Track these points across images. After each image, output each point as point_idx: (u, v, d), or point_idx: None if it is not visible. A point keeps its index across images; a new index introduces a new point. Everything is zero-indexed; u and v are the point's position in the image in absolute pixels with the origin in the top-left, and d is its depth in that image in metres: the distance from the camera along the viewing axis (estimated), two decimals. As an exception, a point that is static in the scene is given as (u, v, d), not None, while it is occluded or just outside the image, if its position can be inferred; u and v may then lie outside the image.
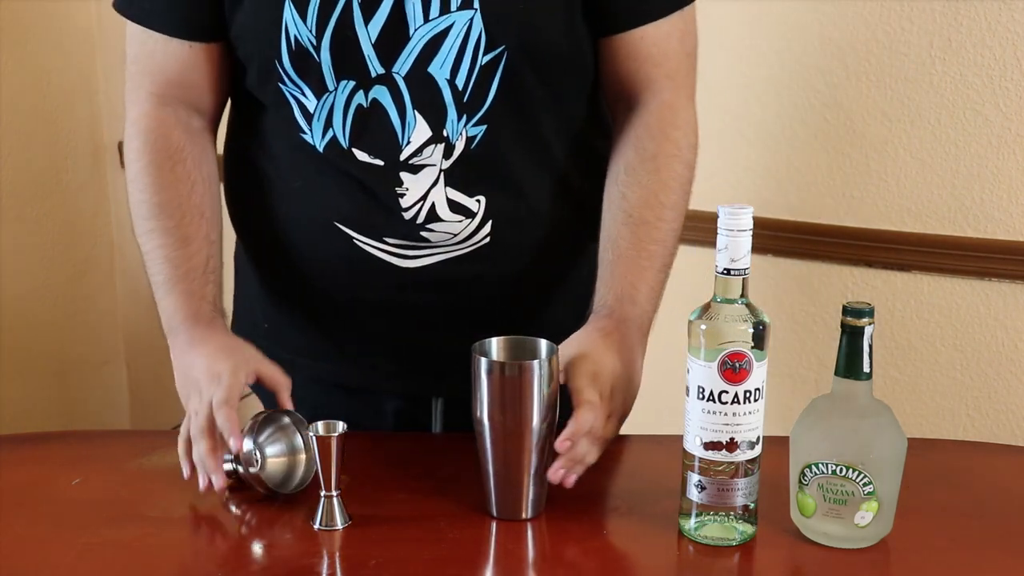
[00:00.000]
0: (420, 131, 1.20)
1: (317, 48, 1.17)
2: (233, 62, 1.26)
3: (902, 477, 1.04)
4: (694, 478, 1.04)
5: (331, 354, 1.36)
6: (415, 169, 1.22)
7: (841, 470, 1.01)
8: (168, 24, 1.23)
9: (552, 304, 1.35)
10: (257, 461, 1.11)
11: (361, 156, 1.22)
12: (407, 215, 1.24)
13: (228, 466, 1.15)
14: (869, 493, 1.01)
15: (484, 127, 1.21)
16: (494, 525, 1.09)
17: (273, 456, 1.13)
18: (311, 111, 1.21)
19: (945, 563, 1.03)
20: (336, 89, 1.19)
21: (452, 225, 1.24)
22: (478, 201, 1.24)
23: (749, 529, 1.05)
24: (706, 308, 1.02)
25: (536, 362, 1.06)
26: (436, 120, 1.20)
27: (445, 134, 1.21)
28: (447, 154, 1.22)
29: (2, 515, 1.11)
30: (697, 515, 1.04)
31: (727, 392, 1.01)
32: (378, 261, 1.27)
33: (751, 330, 1.00)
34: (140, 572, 1.02)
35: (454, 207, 1.24)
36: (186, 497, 1.15)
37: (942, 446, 1.44)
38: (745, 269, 1.01)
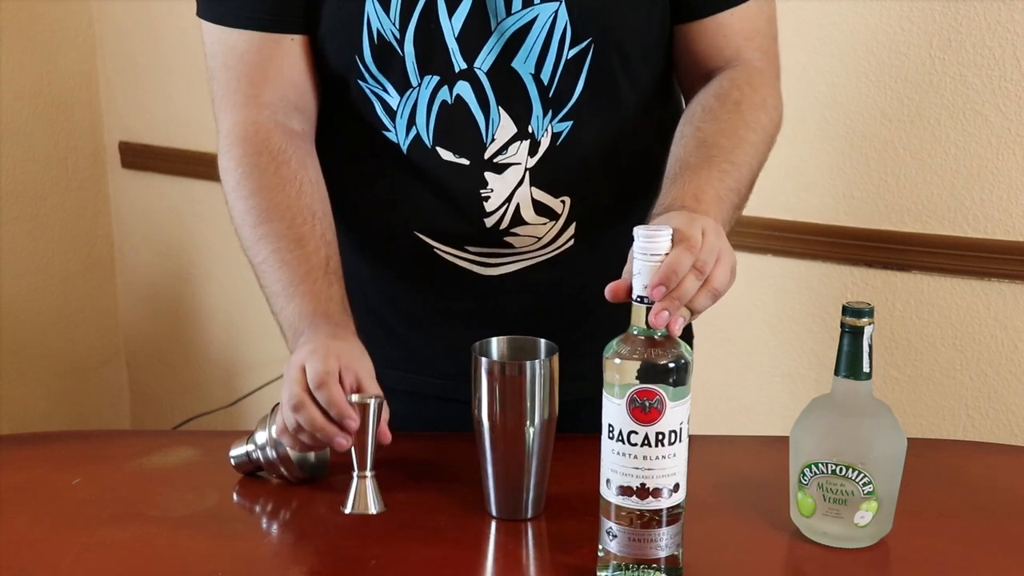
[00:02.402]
0: (504, 127, 1.18)
1: (400, 42, 1.15)
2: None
3: (902, 477, 1.04)
4: (607, 525, 0.96)
5: (404, 362, 1.32)
6: (500, 168, 1.19)
7: (841, 470, 1.01)
8: (261, 20, 1.18)
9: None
10: (283, 445, 1.12)
11: (445, 155, 1.19)
12: (490, 221, 1.21)
13: (243, 457, 1.15)
14: (869, 493, 1.01)
15: (570, 123, 1.19)
16: (494, 525, 1.09)
17: None
18: (394, 108, 1.18)
19: (945, 563, 1.03)
20: (420, 85, 1.16)
21: (536, 228, 1.22)
22: (563, 202, 1.22)
23: None
24: (622, 340, 0.93)
25: (536, 362, 1.06)
26: (521, 116, 1.18)
27: (530, 130, 1.18)
28: (532, 151, 1.19)
29: (2, 515, 1.11)
30: (616, 567, 0.96)
31: (636, 433, 0.92)
32: (459, 270, 1.24)
33: (672, 365, 0.91)
34: (140, 572, 1.02)
35: (539, 209, 1.21)
36: (186, 497, 1.15)
37: (942, 446, 1.44)
38: None
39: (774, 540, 1.06)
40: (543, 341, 1.10)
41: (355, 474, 1.01)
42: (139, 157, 2.77)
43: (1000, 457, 1.32)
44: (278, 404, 1.16)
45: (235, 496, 1.15)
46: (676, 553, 0.96)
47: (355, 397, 1.03)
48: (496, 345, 1.10)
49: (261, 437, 1.14)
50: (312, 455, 1.16)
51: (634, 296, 0.93)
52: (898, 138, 1.90)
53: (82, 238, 2.80)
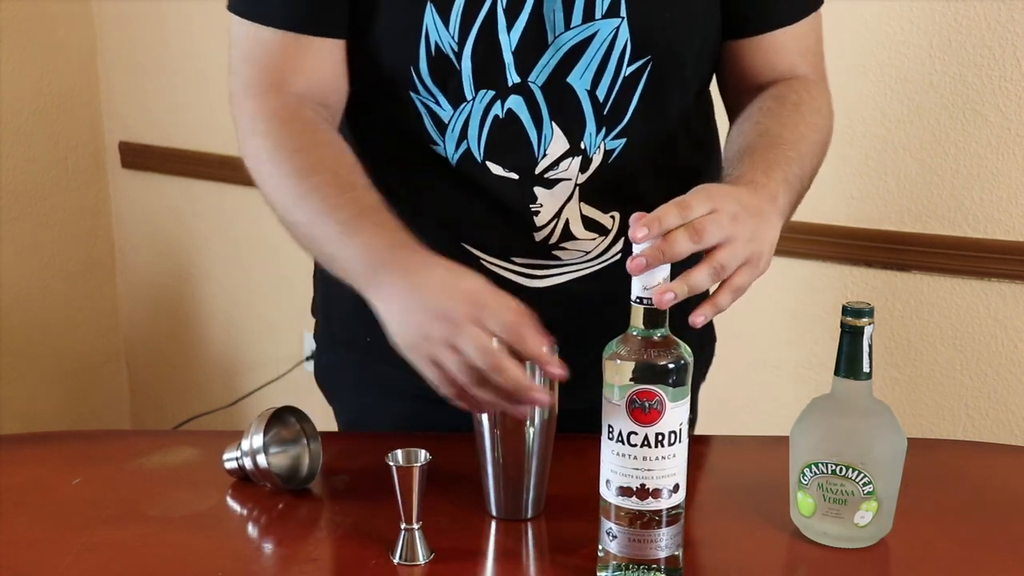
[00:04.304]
0: (557, 143, 1.16)
1: (459, 56, 1.12)
2: (356, 67, 1.17)
3: (902, 477, 1.04)
4: (607, 525, 0.96)
5: None
6: (550, 184, 1.17)
7: (841, 470, 1.01)
8: (296, 20, 1.13)
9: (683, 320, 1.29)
10: (266, 456, 1.12)
11: (495, 169, 1.17)
12: (540, 235, 1.19)
13: (232, 463, 1.15)
14: (869, 493, 1.01)
15: (623, 140, 1.17)
16: (494, 525, 1.09)
17: (280, 451, 1.15)
18: (445, 121, 1.16)
19: (945, 563, 1.03)
20: (474, 99, 1.14)
21: (585, 243, 1.21)
22: (612, 217, 1.20)
23: None
24: (621, 341, 0.93)
25: (536, 362, 1.05)
26: (574, 132, 1.16)
27: (583, 147, 1.16)
28: (584, 167, 1.17)
29: (2, 515, 1.11)
30: (616, 568, 0.96)
31: (636, 434, 0.92)
32: (503, 281, 1.22)
33: (671, 366, 0.92)
34: (140, 572, 1.02)
35: (589, 224, 1.20)
36: (186, 497, 1.15)
37: (942, 446, 1.44)
38: None
39: (774, 540, 1.06)
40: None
41: (403, 526, 1.02)
42: (139, 157, 2.77)
43: (1000, 457, 1.32)
44: (263, 412, 1.15)
45: (235, 496, 1.15)
46: (676, 553, 0.96)
47: (400, 458, 1.01)
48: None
49: (245, 446, 1.14)
50: (302, 465, 1.16)
51: (633, 297, 0.92)
52: (898, 138, 1.90)
53: (82, 238, 2.80)
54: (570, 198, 1.19)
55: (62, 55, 2.67)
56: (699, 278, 0.95)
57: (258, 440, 1.12)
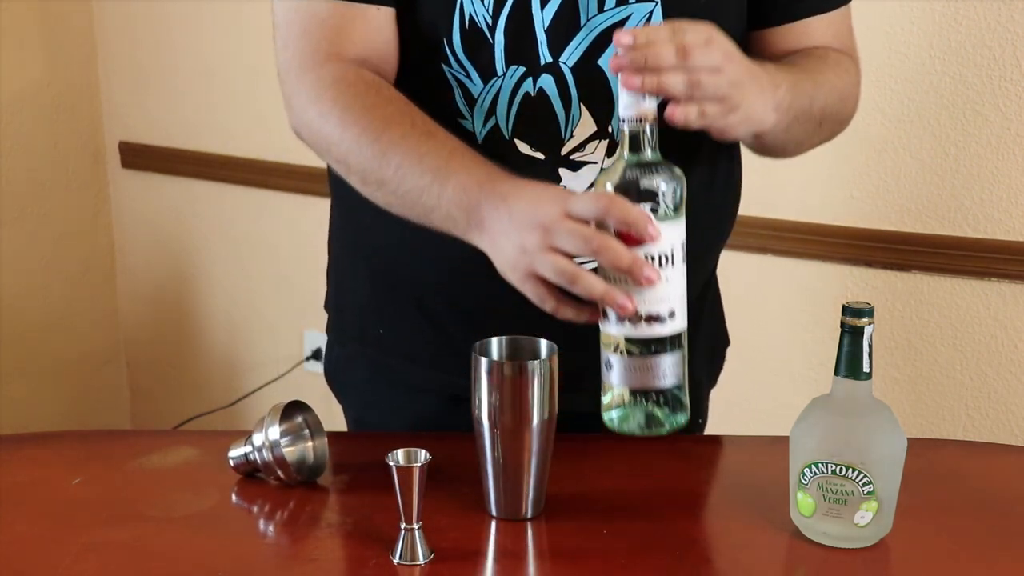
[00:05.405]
0: (584, 124, 1.16)
1: (492, 29, 1.12)
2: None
3: (902, 477, 1.04)
4: (605, 356, 0.94)
5: (452, 365, 1.26)
6: (575, 166, 1.17)
7: (841, 470, 1.01)
8: None
9: (699, 320, 1.28)
10: (279, 447, 1.13)
11: (523, 148, 1.17)
12: None
13: (241, 458, 1.16)
14: (869, 493, 1.01)
15: None
16: (494, 525, 1.09)
17: (292, 444, 1.16)
18: (475, 96, 1.16)
19: (945, 563, 1.03)
20: (504, 75, 1.14)
21: None
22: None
23: (680, 419, 0.96)
24: (612, 164, 0.94)
25: (536, 362, 1.05)
26: (602, 115, 1.16)
27: (610, 130, 1.16)
28: (610, 152, 1.17)
29: (2, 515, 1.11)
30: (618, 405, 0.95)
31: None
32: None
33: (660, 183, 0.92)
34: (140, 572, 1.02)
35: None
36: (186, 497, 1.15)
37: (942, 446, 1.44)
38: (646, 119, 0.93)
39: (774, 540, 1.06)
40: (543, 341, 1.09)
41: (403, 526, 1.02)
42: (139, 157, 2.77)
43: (1000, 457, 1.32)
44: (276, 405, 1.16)
45: (235, 496, 1.15)
46: (679, 389, 0.95)
47: (401, 458, 1.01)
48: (496, 345, 1.10)
49: (259, 439, 1.14)
50: (310, 458, 1.17)
51: (618, 122, 0.94)
52: (898, 138, 1.90)
53: (82, 238, 2.80)
54: (595, 182, 1.18)
55: (62, 55, 2.67)
56: (672, 78, 0.96)
57: (274, 432, 1.13)
